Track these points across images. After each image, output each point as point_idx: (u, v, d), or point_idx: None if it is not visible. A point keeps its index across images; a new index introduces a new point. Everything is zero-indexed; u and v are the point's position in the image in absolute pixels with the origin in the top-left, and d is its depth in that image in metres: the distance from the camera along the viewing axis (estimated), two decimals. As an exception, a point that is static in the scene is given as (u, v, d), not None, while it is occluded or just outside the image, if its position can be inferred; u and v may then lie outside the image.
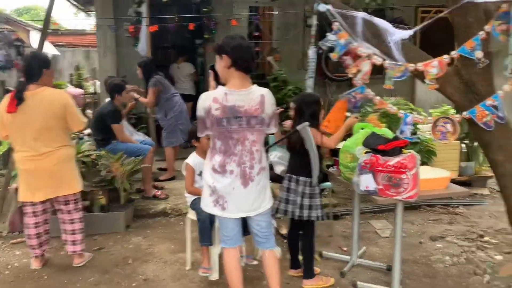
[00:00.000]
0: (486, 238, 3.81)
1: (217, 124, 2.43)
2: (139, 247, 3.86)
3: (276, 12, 7.18)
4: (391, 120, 4.69)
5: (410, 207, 4.48)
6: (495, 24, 2.88)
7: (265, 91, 2.51)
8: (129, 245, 3.92)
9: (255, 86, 2.52)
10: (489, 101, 3.04)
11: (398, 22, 3.58)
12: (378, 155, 2.59)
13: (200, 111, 2.46)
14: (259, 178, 2.53)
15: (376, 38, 3.18)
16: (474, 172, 5.33)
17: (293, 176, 3.08)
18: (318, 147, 2.99)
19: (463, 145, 5.35)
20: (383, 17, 3.28)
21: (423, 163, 5.08)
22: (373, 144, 2.66)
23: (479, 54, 2.94)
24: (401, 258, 2.88)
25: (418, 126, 5.03)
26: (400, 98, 5.97)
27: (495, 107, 3.04)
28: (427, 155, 5.01)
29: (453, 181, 5.21)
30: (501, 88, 3.06)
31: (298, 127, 2.79)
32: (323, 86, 8.10)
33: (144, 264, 3.53)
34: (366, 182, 2.62)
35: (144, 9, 6.62)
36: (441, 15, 3.04)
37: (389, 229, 4.13)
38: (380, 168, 2.56)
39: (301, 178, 3.03)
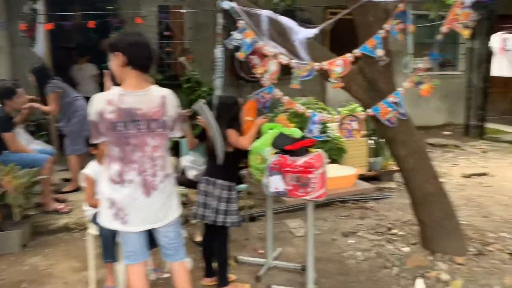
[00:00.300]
0: (394, 231, 3.95)
1: (112, 129, 2.21)
2: (37, 268, 3.47)
3: (185, 11, 6.96)
4: (303, 120, 4.73)
5: (323, 204, 4.53)
6: (393, 23, 2.98)
7: (166, 91, 2.34)
8: (25, 266, 3.51)
9: (154, 86, 2.34)
10: (391, 98, 3.14)
11: (307, 23, 3.60)
12: (286, 156, 2.53)
13: (92, 115, 2.23)
14: (164, 186, 2.34)
15: (281, 36, 3.15)
16: (381, 167, 5.57)
17: (210, 179, 2.95)
18: (238, 150, 2.90)
19: (371, 141, 5.57)
20: (292, 18, 3.25)
21: (333, 160, 5.21)
22: (281, 145, 2.60)
23: (380, 52, 3.02)
24: (314, 257, 2.87)
25: (328, 124, 5.13)
26: (312, 97, 6.09)
27: (397, 104, 3.15)
28: (337, 153, 5.14)
29: (363, 176, 5.45)
30: (402, 85, 3.18)
31: (194, 106, 2.71)
32: (237, 87, 8.05)
33: (41, 287, 3.17)
34: (275, 183, 2.55)
35: (40, 5, 6.05)
36: (342, 14, 3.09)
37: (304, 227, 4.13)
38: (288, 169, 2.51)
39: (219, 182, 2.91)
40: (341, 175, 2.87)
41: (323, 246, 3.76)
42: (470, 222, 4.13)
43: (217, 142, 2.77)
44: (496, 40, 7.37)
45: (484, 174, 6.02)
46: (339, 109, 5.57)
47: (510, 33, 7.30)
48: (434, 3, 4.47)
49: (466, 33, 2.94)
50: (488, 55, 7.71)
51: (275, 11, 3.50)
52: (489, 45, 7.53)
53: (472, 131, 8.32)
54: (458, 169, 6.33)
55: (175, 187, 2.46)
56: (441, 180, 5.69)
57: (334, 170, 2.86)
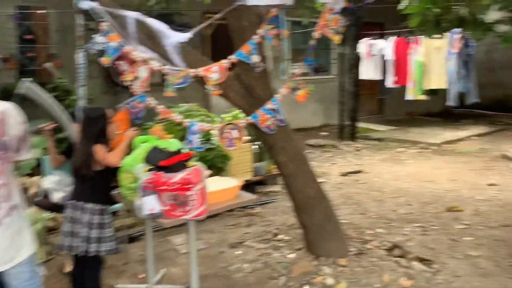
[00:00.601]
0: (280, 236, 3.93)
1: None
2: None
3: (44, 11, 6.28)
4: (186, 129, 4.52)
5: (209, 215, 4.36)
6: (267, 28, 2.91)
7: (5, 106, 1.94)
8: None
9: (-9, 100, 1.93)
10: (269, 105, 3.08)
11: (186, 28, 3.40)
12: (161, 172, 2.29)
13: None
14: (10, 221, 1.94)
15: (152, 40, 2.90)
16: (266, 171, 5.59)
17: (78, 203, 2.58)
18: (108, 168, 2.57)
19: (255, 147, 5.55)
20: (171, 22, 3.02)
21: (219, 168, 5.09)
22: (155, 160, 2.35)
23: (255, 58, 2.94)
24: (200, 275, 2.68)
25: (212, 131, 4.99)
26: (194, 104, 5.90)
27: (275, 110, 3.10)
28: (223, 160, 5.02)
29: (249, 182, 5.41)
30: (279, 91, 3.14)
31: (20, 90, 2.36)
32: (114, 94, 7.52)
33: None
34: (150, 204, 2.29)
35: None
36: (214, 18, 2.95)
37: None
38: (163, 187, 2.27)
39: (88, 205, 2.56)
40: (223, 188, 2.71)
41: (210, 261, 3.57)
42: (350, 221, 4.30)
43: (64, 126, 2.44)
44: (363, 46, 7.93)
45: (359, 172, 6.41)
46: (222, 115, 5.46)
47: (375, 39, 7.91)
48: (305, 9, 4.59)
49: (336, 38, 3.00)
50: (357, 60, 8.27)
51: (150, 14, 3.24)
52: (357, 51, 8.08)
53: (346, 131, 8.84)
54: (336, 168, 6.65)
55: (26, 219, 2.07)
56: (321, 180, 5.90)
57: (215, 183, 2.70)
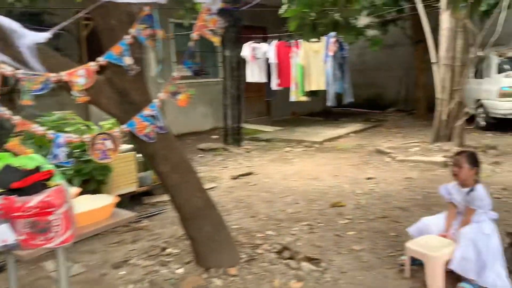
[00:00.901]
0: (168, 250, 3.69)
1: None
2: None
3: None
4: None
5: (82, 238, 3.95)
6: (139, 28, 2.68)
7: None
8: None
9: None
10: (146, 111, 2.85)
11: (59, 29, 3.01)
12: (13, 196, 1.94)
13: None
14: None
15: (2, 41, 2.48)
16: (152, 180, 5.30)
17: None
18: None
19: (139, 155, 5.23)
20: (40, 22, 2.62)
21: (99, 181, 4.67)
22: (5, 182, 1.98)
23: (128, 60, 2.69)
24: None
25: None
26: (70, 111, 5.38)
27: (154, 117, 2.88)
28: (103, 172, 4.62)
29: (134, 193, 5.08)
30: (157, 96, 2.92)
31: None
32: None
33: None
34: (2, 234, 1.93)
35: None
36: (76, 17, 2.64)
37: (68, 267, 3.49)
38: (18, 213, 1.92)
39: None
40: (94, 207, 2.41)
41: (90, 286, 3.22)
42: (240, 225, 4.24)
43: None
44: (247, 49, 8.03)
45: (249, 174, 6.43)
46: (101, 123, 5.04)
47: (259, 42, 8.07)
48: (185, 10, 4.43)
49: (215, 40, 2.88)
50: (239, 63, 8.31)
51: (10, 13, 2.79)
52: (241, 54, 8.14)
53: (230, 134, 8.68)
54: (227, 172, 6.60)
55: None
56: (212, 184, 5.80)
57: (84, 203, 2.39)
